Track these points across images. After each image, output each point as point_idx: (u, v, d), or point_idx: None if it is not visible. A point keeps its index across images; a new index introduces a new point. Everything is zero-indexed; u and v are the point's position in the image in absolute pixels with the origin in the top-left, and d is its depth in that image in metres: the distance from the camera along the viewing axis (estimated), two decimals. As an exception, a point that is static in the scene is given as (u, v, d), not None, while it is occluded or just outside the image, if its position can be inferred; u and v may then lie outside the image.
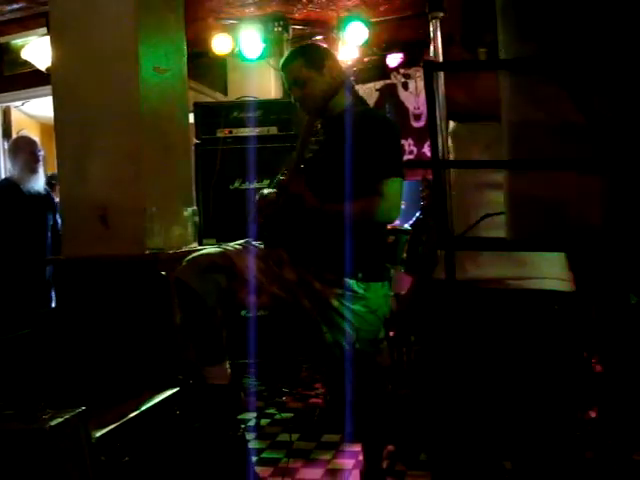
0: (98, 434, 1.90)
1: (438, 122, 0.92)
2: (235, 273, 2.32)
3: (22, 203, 4.30)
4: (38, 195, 4.35)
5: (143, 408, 2.14)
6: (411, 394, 2.11)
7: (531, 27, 0.86)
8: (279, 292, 2.37)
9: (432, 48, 1.10)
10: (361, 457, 2.81)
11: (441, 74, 0.93)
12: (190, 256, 2.39)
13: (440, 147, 0.92)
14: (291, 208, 2.44)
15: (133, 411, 2.09)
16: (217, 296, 2.29)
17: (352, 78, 2.90)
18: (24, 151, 4.32)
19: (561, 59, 0.81)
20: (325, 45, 3.05)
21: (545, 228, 0.92)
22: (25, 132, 4.98)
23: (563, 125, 0.83)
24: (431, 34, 1.12)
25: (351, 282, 2.38)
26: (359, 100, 2.70)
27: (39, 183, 4.36)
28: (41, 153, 4.39)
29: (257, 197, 2.55)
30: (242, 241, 2.51)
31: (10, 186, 4.38)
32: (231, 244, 2.46)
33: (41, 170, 4.38)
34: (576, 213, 0.89)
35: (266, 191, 2.55)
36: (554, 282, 1.66)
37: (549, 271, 1.65)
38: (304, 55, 2.61)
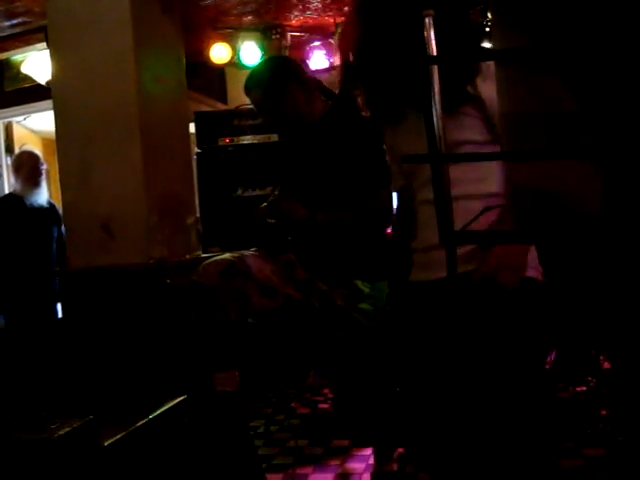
0: (107, 442, 1.90)
1: (434, 116, 0.92)
2: (251, 276, 2.34)
3: (25, 216, 4.33)
4: (41, 208, 4.38)
5: (151, 416, 2.13)
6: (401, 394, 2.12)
7: (524, 18, 0.86)
8: (293, 293, 2.39)
9: (427, 43, 1.10)
10: (371, 461, 2.80)
11: (435, 67, 0.93)
12: (208, 260, 2.41)
13: (437, 141, 0.92)
14: (289, 226, 2.46)
15: (141, 419, 2.09)
16: (233, 299, 2.31)
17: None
18: (26, 165, 4.36)
19: (555, 48, 0.81)
20: (284, 56, 2.81)
21: (546, 219, 0.92)
22: (27, 147, 5.00)
23: (559, 114, 0.83)
24: (425, 31, 1.12)
25: (356, 282, 2.39)
26: (335, 101, 2.67)
27: (42, 196, 4.40)
28: (43, 167, 4.42)
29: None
30: (253, 249, 2.54)
31: (13, 200, 4.41)
32: (245, 251, 2.49)
33: (44, 183, 4.42)
34: (577, 203, 0.89)
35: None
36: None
37: None
38: (262, 86, 2.53)
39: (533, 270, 1.73)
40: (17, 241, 4.29)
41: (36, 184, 4.34)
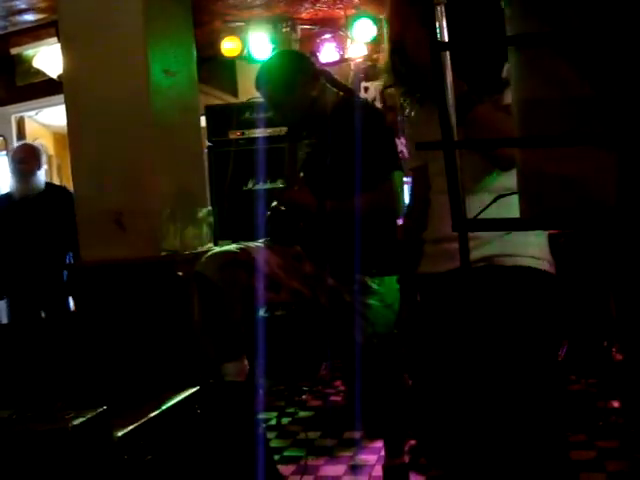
0: (120, 433, 1.91)
1: (448, 103, 0.92)
2: (255, 269, 2.34)
3: (13, 209, 4.22)
4: (29, 197, 4.22)
5: (164, 407, 2.14)
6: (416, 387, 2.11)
7: (537, 3, 0.86)
8: (299, 287, 2.39)
9: (438, 32, 1.09)
10: (383, 452, 2.80)
11: (447, 54, 0.93)
12: (211, 252, 2.41)
13: (450, 128, 0.92)
14: (299, 213, 2.46)
15: (154, 410, 2.10)
16: (237, 291, 2.31)
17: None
18: (11, 159, 4.34)
19: (568, 33, 0.81)
20: (294, 51, 2.83)
21: (559, 206, 0.91)
22: (28, 141, 4.93)
23: (572, 99, 0.83)
24: (436, 20, 1.11)
25: (365, 277, 2.39)
26: (346, 93, 2.67)
27: (29, 186, 4.21)
28: (30, 159, 4.22)
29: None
30: (262, 240, 2.53)
31: (6, 196, 4.39)
32: (251, 243, 2.49)
33: (37, 175, 4.24)
34: (590, 189, 0.89)
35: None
36: (530, 260, 1.68)
37: (526, 250, 1.67)
38: (273, 80, 2.54)
39: (545, 262, 1.72)
40: (10, 236, 4.20)
41: (17, 176, 4.21)
